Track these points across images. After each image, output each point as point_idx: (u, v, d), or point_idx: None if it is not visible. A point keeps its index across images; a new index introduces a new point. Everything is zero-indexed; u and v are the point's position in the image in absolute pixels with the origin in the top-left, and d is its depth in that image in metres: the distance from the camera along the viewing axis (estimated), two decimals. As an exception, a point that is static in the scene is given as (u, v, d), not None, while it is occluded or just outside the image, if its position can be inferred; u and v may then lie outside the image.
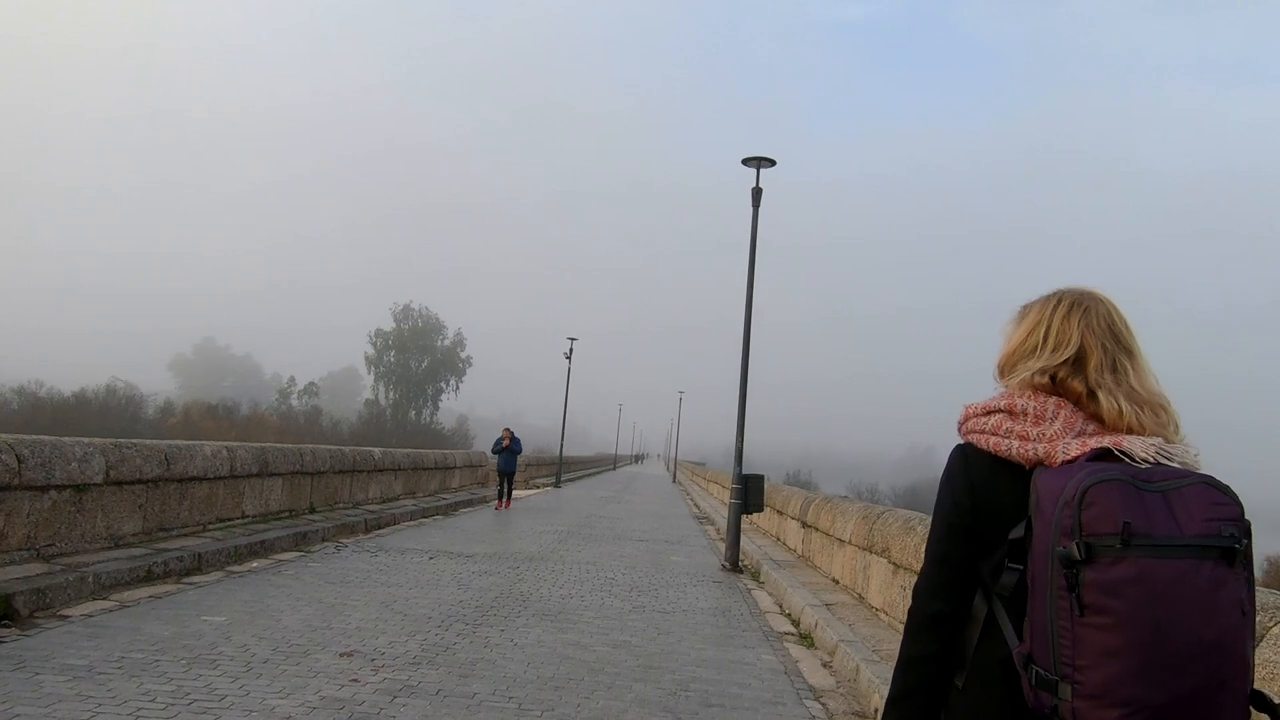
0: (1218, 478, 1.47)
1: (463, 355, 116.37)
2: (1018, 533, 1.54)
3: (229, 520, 11.33)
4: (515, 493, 29.81)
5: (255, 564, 9.80)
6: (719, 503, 29.26)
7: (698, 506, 30.56)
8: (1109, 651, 1.36)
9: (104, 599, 7.34)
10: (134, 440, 9.79)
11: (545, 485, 37.17)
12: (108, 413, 70.85)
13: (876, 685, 5.99)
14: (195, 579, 8.60)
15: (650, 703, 5.65)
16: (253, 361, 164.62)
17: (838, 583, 10.89)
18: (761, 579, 12.04)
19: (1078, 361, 1.64)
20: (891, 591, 8.43)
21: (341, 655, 6.14)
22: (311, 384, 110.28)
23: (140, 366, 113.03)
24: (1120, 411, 1.58)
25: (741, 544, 13.91)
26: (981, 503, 1.62)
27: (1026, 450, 1.58)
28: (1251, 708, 1.41)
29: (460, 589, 9.24)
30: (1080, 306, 1.70)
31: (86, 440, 8.77)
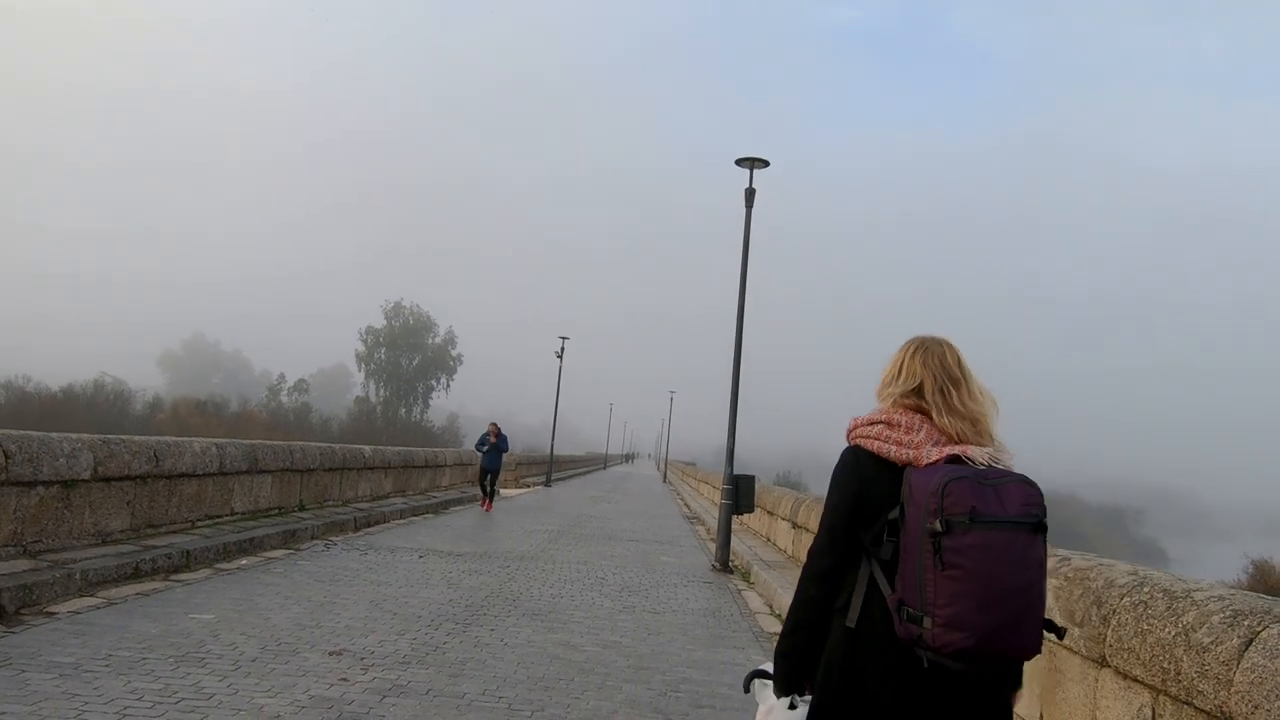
0: (1030, 476, 2.18)
1: (454, 353, 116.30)
2: (894, 514, 2.20)
3: (218, 517, 11.28)
4: (505, 491, 29.76)
5: (244, 561, 9.76)
6: (709, 503, 29.30)
7: (688, 507, 30.60)
8: (958, 594, 2.03)
9: (91, 596, 7.29)
10: (122, 436, 9.73)
11: (536, 484, 37.13)
12: (95, 408, 70.55)
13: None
14: (183, 576, 8.56)
15: (640, 703, 5.65)
16: (242, 358, 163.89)
17: (828, 584, 10.90)
18: (752, 579, 12.04)
19: (919, 389, 2.35)
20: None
21: (331, 654, 6.12)
22: (301, 381, 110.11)
23: (128, 361, 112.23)
24: (947, 424, 2.28)
25: (732, 544, 13.92)
26: (865, 489, 2.27)
27: (901, 454, 2.25)
28: (1044, 629, 2.16)
29: (450, 588, 9.22)
30: (923, 349, 2.41)
31: (74, 436, 8.72)
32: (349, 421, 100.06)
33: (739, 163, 15.71)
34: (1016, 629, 2.07)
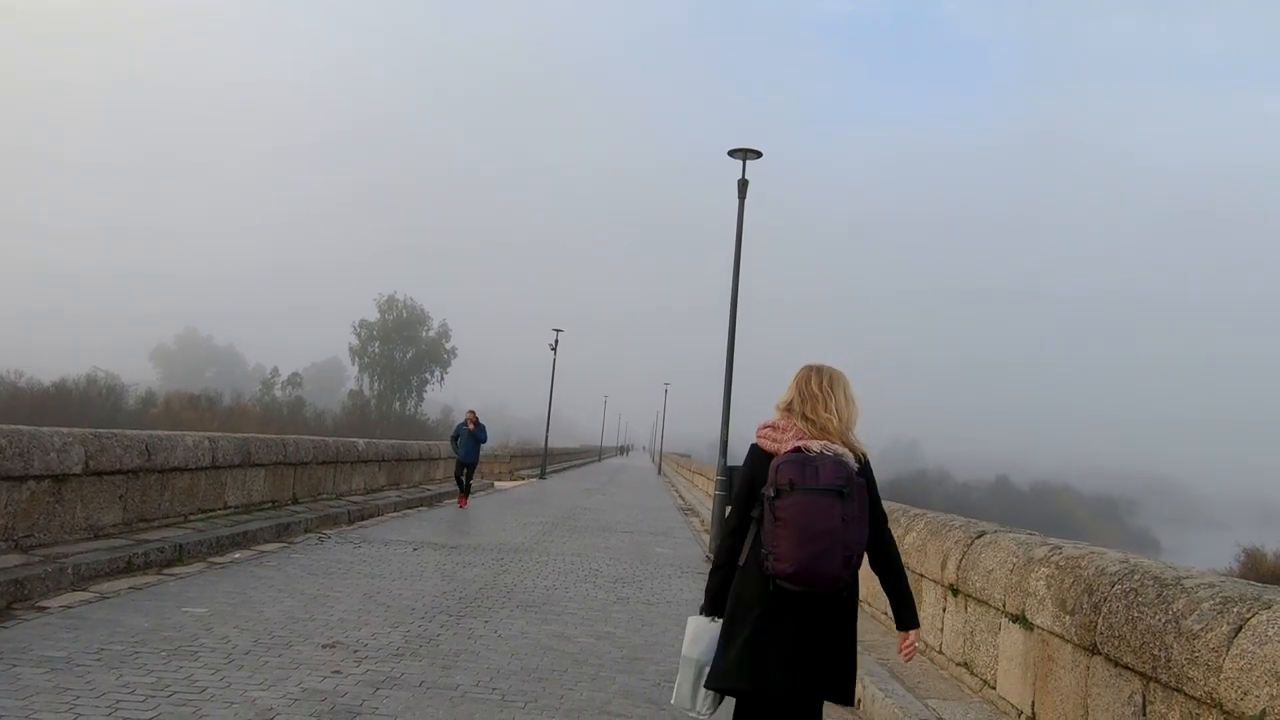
0: (845, 459, 3.24)
1: (447, 346, 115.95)
2: (767, 490, 3.24)
3: (211, 511, 11.25)
4: (499, 484, 29.73)
5: (237, 555, 9.74)
6: (704, 495, 29.31)
7: (682, 498, 30.63)
8: (784, 537, 3.13)
9: (83, 590, 7.27)
10: (114, 430, 9.70)
11: (530, 477, 37.13)
12: (88, 403, 70.26)
13: (859, 676, 6.02)
14: (176, 570, 8.54)
15: (634, 694, 5.65)
16: (235, 352, 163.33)
17: (821, 574, 10.92)
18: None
19: (791, 404, 3.45)
20: (874, 583, 8.45)
21: (324, 647, 6.11)
22: (295, 375, 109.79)
23: (121, 356, 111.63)
24: (803, 427, 3.35)
25: (726, 536, 13.91)
26: (755, 474, 3.37)
27: (774, 446, 3.36)
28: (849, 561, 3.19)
29: (444, 580, 9.21)
30: (800, 376, 3.51)
31: (65, 430, 8.68)
32: (343, 415, 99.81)
33: (732, 154, 15.70)
34: (823, 560, 3.15)
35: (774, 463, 3.28)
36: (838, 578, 3.20)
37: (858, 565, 3.29)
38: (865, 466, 3.41)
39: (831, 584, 3.22)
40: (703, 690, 3.51)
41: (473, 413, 19.27)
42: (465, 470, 18.92)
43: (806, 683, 3.31)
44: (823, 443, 3.30)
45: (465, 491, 18.97)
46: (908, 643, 3.56)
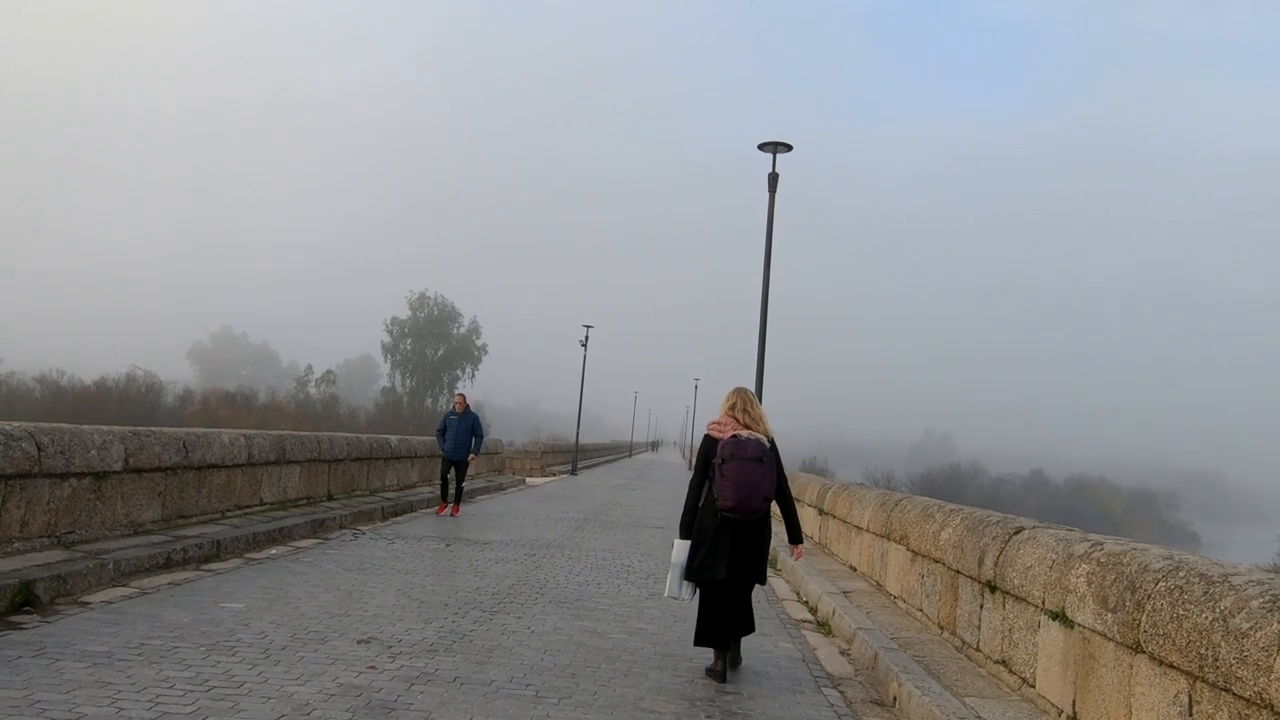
0: (763, 441, 6.08)
1: (478, 343, 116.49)
2: (716, 460, 5.96)
3: (247, 508, 11.39)
4: (531, 480, 29.76)
5: (274, 551, 9.85)
6: (735, 490, 29.18)
7: (713, 494, 30.51)
8: (727, 486, 5.85)
9: (124, 586, 7.38)
10: (152, 428, 9.83)
11: (561, 473, 37.24)
12: (128, 401, 71.36)
13: (895, 673, 5.95)
14: (214, 566, 8.65)
15: (667, 690, 5.64)
16: (270, 350, 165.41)
17: (855, 570, 10.84)
18: (778, 566, 11.99)
19: (734, 406, 6.22)
20: (910, 579, 8.37)
21: (359, 642, 6.15)
22: (329, 372, 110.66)
23: (159, 355, 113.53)
24: (741, 420, 6.14)
25: (758, 531, 13.82)
26: (708, 451, 6.08)
27: (719, 434, 6.08)
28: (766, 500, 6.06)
29: (477, 576, 9.25)
30: (737, 392, 6.34)
31: (105, 428, 8.81)
32: (376, 412, 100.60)
33: (761, 147, 15.60)
34: (750, 499, 5.81)
35: (721, 443, 5.93)
36: (758, 509, 5.86)
37: (770, 501, 5.94)
38: (774, 445, 6.09)
39: (755, 513, 5.87)
40: (685, 583, 6.02)
41: (462, 396, 15.81)
42: (454, 469, 15.26)
43: (743, 573, 5.93)
44: (750, 431, 5.98)
45: (453, 498, 15.39)
46: (797, 552, 6.43)
